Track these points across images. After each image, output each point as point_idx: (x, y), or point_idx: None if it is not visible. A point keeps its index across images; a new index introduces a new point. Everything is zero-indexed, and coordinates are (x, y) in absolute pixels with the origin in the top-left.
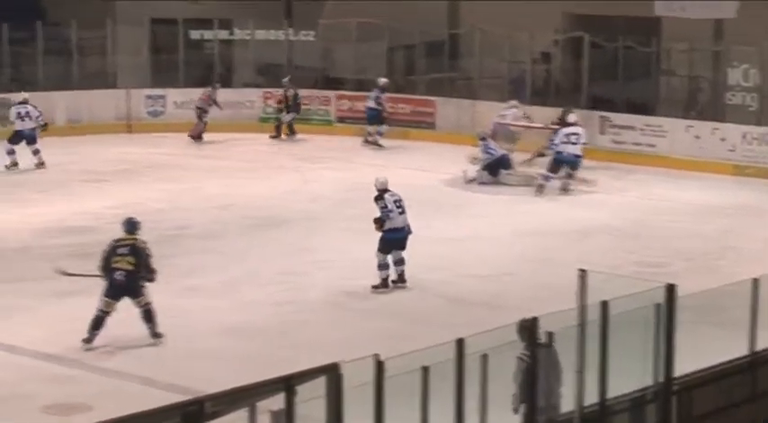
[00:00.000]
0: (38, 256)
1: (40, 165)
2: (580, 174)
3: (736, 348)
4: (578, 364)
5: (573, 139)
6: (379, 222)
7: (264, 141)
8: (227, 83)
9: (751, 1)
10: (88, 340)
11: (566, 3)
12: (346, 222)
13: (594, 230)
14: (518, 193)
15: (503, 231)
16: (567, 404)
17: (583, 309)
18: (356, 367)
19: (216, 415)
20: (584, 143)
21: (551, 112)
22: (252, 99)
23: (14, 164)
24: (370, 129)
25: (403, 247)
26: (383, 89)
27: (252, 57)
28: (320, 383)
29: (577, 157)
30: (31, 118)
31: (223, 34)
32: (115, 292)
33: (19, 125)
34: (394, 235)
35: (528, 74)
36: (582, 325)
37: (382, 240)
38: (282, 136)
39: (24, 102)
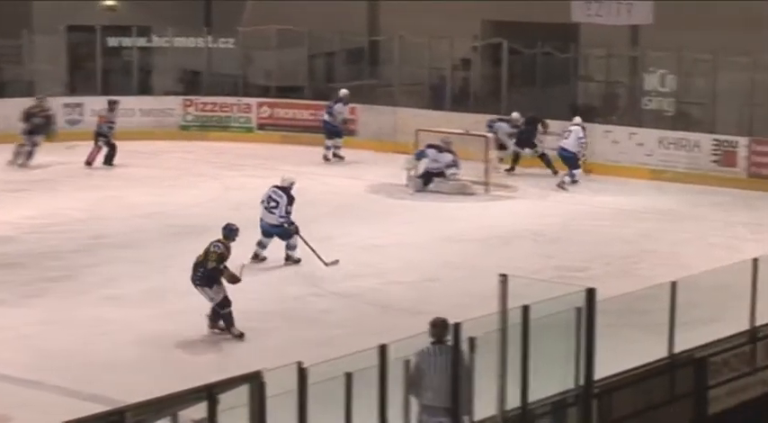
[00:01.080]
0: None
1: None
2: (500, 179)
3: (654, 351)
4: (500, 369)
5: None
6: None
7: (186, 149)
8: (146, 90)
9: (666, 7)
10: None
11: (485, 10)
12: None
13: (516, 236)
14: (441, 200)
15: (426, 238)
16: (489, 408)
17: (504, 313)
18: (279, 375)
19: None
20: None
21: (471, 119)
22: (172, 107)
23: None
24: (329, 143)
25: (266, 235)
26: (338, 101)
27: (171, 64)
28: (243, 392)
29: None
30: None
31: (141, 41)
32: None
33: None
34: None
35: (448, 80)
36: (503, 330)
37: None
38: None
39: None
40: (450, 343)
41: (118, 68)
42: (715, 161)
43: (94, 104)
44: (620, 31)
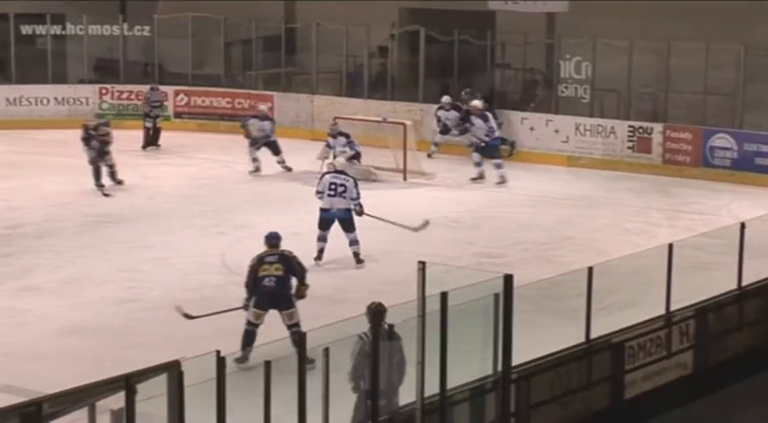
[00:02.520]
0: None
1: None
2: (419, 167)
3: (572, 336)
4: (419, 356)
5: None
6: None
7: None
8: (61, 78)
9: None
10: (242, 359)
11: None
12: (186, 219)
13: (433, 223)
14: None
15: None
16: (408, 395)
17: (422, 300)
18: (197, 364)
19: (55, 415)
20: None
21: (389, 106)
22: (87, 95)
23: None
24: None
25: (330, 227)
26: (254, 116)
27: (86, 52)
28: (161, 381)
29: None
30: None
31: (55, 29)
32: (265, 300)
33: None
34: (322, 213)
35: (365, 68)
36: (421, 317)
37: (319, 216)
38: None
39: None
40: (387, 327)
41: (32, 57)
42: (630, 147)
43: (9, 93)
44: (536, 18)
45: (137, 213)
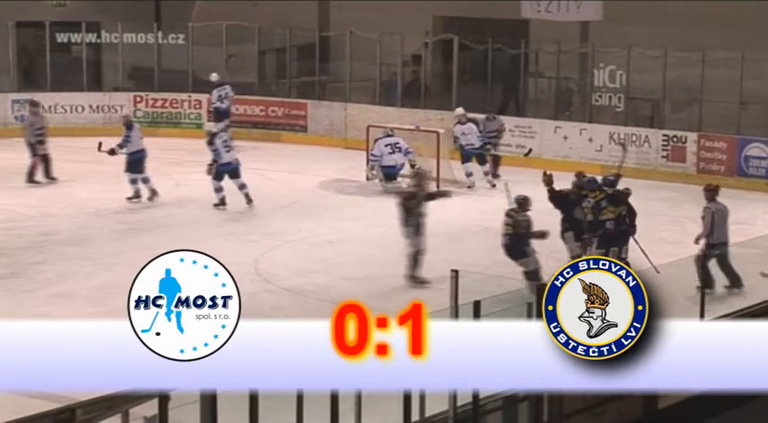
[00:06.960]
0: None
1: None
2: (452, 175)
3: None
4: None
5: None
6: (212, 164)
7: None
8: (96, 86)
9: (615, 3)
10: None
11: (435, 6)
12: (219, 226)
13: (467, 231)
14: (391, 195)
15: (378, 233)
16: (441, 404)
17: (455, 309)
18: None
19: (88, 422)
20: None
21: (423, 115)
22: (122, 103)
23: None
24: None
25: (237, 176)
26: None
27: (121, 60)
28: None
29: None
30: None
31: (91, 37)
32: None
33: None
34: (221, 167)
35: (398, 76)
36: None
37: (216, 171)
38: None
39: None
40: None
41: (67, 65)
42: (664, 157)
43: (44, 101)
44: (569, 27)
45: (170, 221)
